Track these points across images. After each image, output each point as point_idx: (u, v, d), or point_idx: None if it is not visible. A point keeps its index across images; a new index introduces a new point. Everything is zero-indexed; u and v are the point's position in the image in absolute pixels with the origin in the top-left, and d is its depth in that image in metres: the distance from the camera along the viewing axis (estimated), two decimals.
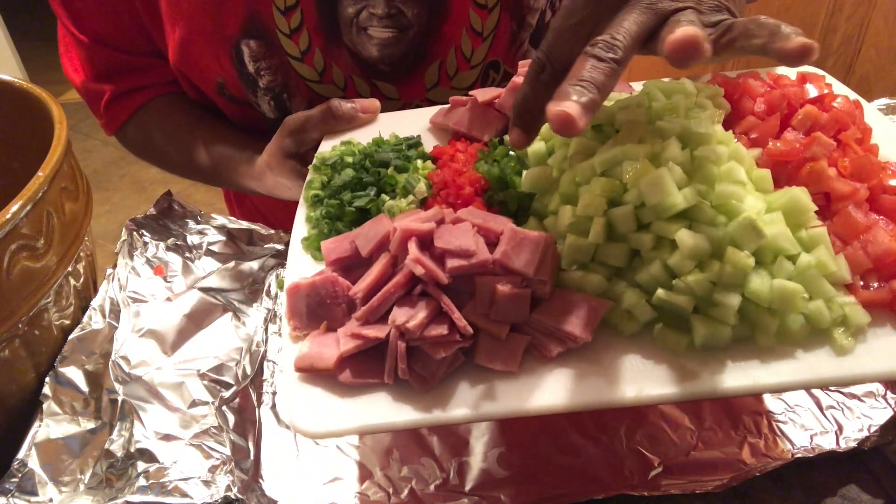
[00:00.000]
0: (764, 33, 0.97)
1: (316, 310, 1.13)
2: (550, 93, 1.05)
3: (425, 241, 1.09)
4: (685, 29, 0.93)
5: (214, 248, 1.70)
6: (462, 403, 1.03)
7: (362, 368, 1.06)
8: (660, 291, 1.04)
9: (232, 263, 1.64)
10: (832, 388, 1.37)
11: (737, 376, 1.01)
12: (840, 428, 1.31)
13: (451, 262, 1.06)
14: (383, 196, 1.30)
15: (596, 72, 0.97)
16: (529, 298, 1.07)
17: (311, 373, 1.08)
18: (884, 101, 2.02)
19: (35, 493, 1.25)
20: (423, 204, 1.29)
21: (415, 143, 1.44)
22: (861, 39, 4.32)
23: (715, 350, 1.04)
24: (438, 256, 1.08)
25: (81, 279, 1.46)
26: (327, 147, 1.50)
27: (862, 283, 1.07)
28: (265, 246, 1.72)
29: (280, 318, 1.53)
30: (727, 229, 1.04)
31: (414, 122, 1.54)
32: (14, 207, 1.22)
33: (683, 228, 1.04)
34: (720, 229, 1.04)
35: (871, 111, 1.34)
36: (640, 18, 1.02)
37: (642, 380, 1.02)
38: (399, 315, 1.05)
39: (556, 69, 1.09)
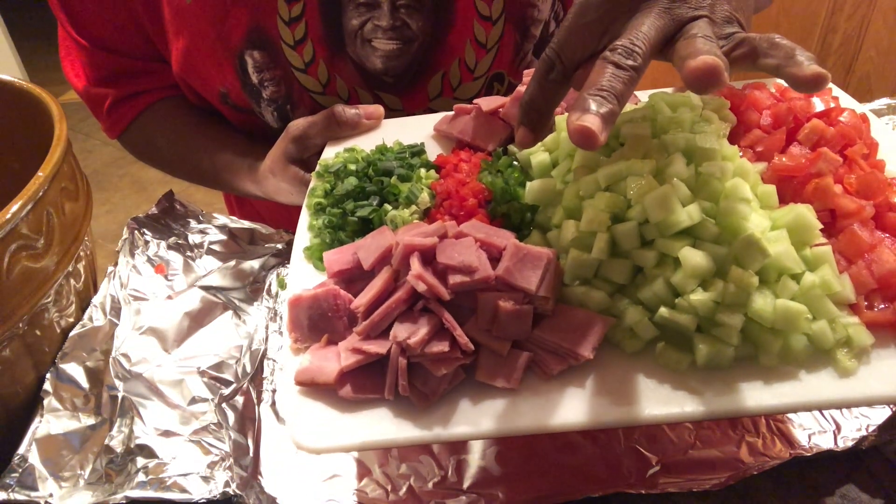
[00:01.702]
0: (779, 55, 0.96)
1: (317, 322, 1.11)
2: (559, 91, 1.06)
3: (427, 256, 1.07)
4: (705, 58, 0.91)
5: (216, 246, 1.69)
6: (463, 420, 1.01)
7: (363, 383, 1.05)
8: (662, 310, 1.02)
9: (233, 262, 1.63)
10: None
11: (739, 397, 0.99)
12: (838, 427, 1.29)
13: (454, 278, 1.04)
14: (386, 206, 1.28)
15: (616, 80, 0.95)
16: (531, 315, 1.04)
17: (312, 387, 1.06)
18: (884, 101, 2.01)
19: (35, 488, 1.24)
20: (427, 214, 1.27)
21: (418, 150, 1.42)
22: (861, 39, 4.30)
23: (717, 369, 1.02)
24: (440, 272, 1.06)
25: (81, 279, 1.44)
26: (331, 153, 1.49)
27: (866, 303, 1.05)
28: (266, 245, 1.70)
29: (280, 317, 1.52)
30: (731, 248, 1.02)
31: (418, 129, 1.52)
32: (14, 207, 1.21)
33: (687, 246, 1.02)
34: (724, 247, 1.03)
35: (878, 125, 1.32)
36: (657, 23, 1.00)
37: (644, 399, 1.00)
38: (400, 331, 1.03)
39: (566, 67, 1.07)
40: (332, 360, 1.06)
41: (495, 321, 1.03)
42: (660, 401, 0.99)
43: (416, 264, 1.04)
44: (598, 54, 1.01)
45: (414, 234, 1.10)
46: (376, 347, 1.04)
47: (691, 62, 0.91)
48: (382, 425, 1.01)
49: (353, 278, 1.14)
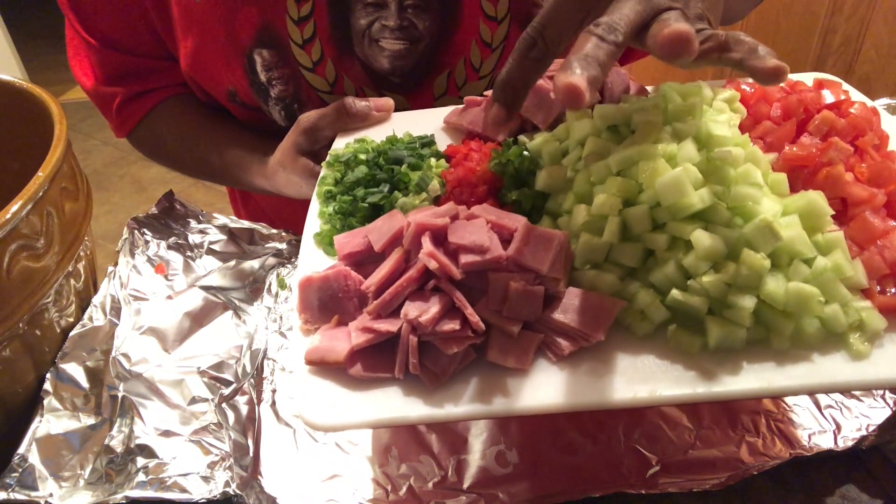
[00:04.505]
0: (742, 49, 1.00)
1: (328, 303, 1.10)
2: (537, 70, 1.07)
3: (439, 237, 1.06)
4: (679, 25, 0.94)
5: (216, 246, 1.68)
6: (473, 400, 0.99)
7: (373, 363, 1.03)
8: (674, 292, 1.01)
9: (233, 262, 1.62)
10: None
11: (751, 379, 0.97)
12: (838, 427, 1.28)
13: (465, 258, 1.03)
14: (396, 193, 1.27)
15: (599, 50, 0.97)
16: (542, 296, 1.03)
17: (322, 366, 1.04)
18: (884, 101, 2.00)
19: (35, 488, 1.23)
20: (437, 202, 1.26)
21: (428, 141, 1.41)
22: (861, 39, 4.30)
23: (729, 352, 1.00)
24: (452, 252, 1.05)
25: (81, 279, 1.43)
26: (341, 144, 1.47)
27: (878, 288, 1.04)
28: (266, 245, 1.70)
29: (280, 317, 1.51)
30: (743, 231, 1.01)
31: (427, 122, 1.51)
32: (14, 207, 1.20)
33: (699, 229, 1.01)
34: (736, 231, 1.02)
35: (889, 119, 1.31)
36: (637, 7, 1.02)
37: (655, 380, 0.98)
38: (411, 309, 1.01)
39: (547, 46, 1.07)
40: (343, 339, 1.04)
41: (506, 301, 1.01)
42: (671, 382, 0.98)
43: (427, 243, 1.03)
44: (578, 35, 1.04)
45: (426, 214, 1.09)
46: (387, 326, 1.02)
47: (665, 30, 0.94)
48: (393, 403, 1.00)
49: (364, 261, 1.13)
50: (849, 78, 4.39)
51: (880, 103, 1.97)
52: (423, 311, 1.00)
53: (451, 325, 1.00)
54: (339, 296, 1.09)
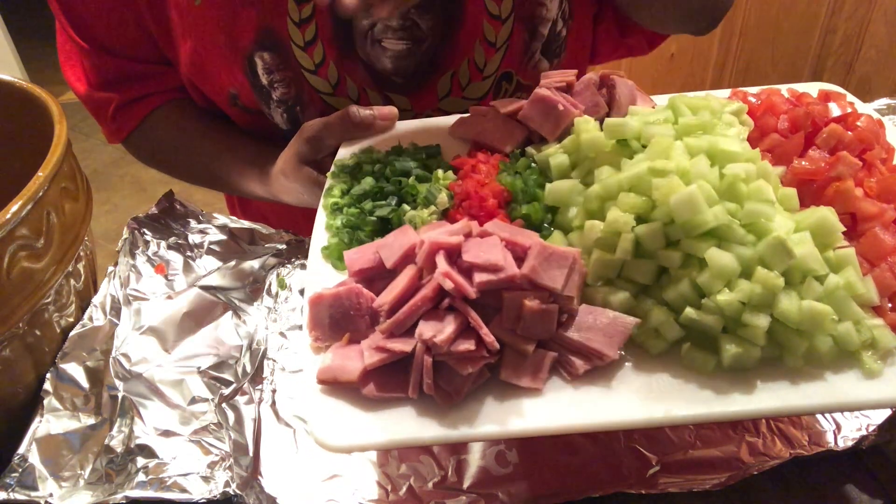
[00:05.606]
0: None
1: (339, 321, 1.06)
2: None
3: (453, 255, 1.03)
4: None
5: (216, 246, 1.65)
6: (487, 420, 0.97)
7: (386, 382, 1.00)
8: (689, 310, 0.99)
9: (233, 262, 1.59)
10: None
11: (765, 398, 0.95)
12: (838, 427, 1.26)
13: (480, 277, 0.99)
14: (404, 206, 1.24)
15: None
16: (557, 314, 1.01)
17: (334, 385, 1.01)
18: (884, 101, 1.99)
19: (35, 488, 1.21)
20: (445, 215, 1.23)
21: (434, 152, 1.38)
22: (861, 39, 4.27)
23: (742, 371, 0.98)
24: (466, 270, 1.02)
25: (81, 279, 1.41)
26: (346, 154, 1.44)
27: (890, 305, 1.02)
28: (266, 245, 1.66)
29: (280, 318, 1.48)
30: (757, 248, 0.99)
31: (432, 132, 1.48)
32: (14, 207, 1.18)
33: (713, 247, 0.99)
34: (749, 248, 0.99)
35: (893, 132, 1.29)
36: None
37: (670, 400, 0.97)
38: (426, 329, 0.98)
39: None
40: (355, 358, 1.02)
41: (520, 320, 0.99)
42: (686, 401, 0.96)
43: (442, 262, 1.00)
44: None
45: (439, 232, 1.07)
46: (401, 346, 0.99)
47: None
48: (406, 424, 0.97)
49: (374, 277, 1.10)
50: (849, 78, 4.42)
51: (880, 103, 1.97)
52: (439, 330, 0.97)
53: (466, 345, 0.97)
54: (351, 313, 1.06)
